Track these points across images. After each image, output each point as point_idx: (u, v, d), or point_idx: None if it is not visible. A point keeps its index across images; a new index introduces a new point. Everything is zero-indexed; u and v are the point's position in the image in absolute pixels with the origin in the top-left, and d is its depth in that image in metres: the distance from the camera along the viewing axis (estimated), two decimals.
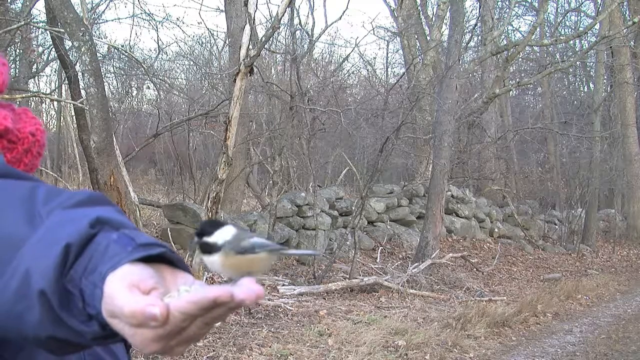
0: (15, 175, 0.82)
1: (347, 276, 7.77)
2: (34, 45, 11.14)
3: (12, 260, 0.67)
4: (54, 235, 0.67)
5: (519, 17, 19.23)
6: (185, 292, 0.63)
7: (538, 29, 12.95)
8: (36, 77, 13.80)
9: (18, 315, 0.66)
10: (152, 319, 0.58)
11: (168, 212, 8.30)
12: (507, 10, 14.93)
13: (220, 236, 0.77)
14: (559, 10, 18.07)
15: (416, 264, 8.36)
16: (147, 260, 0.65)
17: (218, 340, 4.96)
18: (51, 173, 9.88)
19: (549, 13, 16.74)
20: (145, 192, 12.75)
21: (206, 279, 6.30)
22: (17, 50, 11.30)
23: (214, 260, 0.76)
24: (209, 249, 0.76)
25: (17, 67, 11.58)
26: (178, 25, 21.66)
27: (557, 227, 14.79)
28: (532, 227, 13.89)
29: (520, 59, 15.52)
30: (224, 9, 11.02)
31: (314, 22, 13.04)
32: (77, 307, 0.65)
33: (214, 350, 4.71)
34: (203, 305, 0.59)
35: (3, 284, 0.66)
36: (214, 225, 0.78)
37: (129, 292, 0.60)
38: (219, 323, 5.28)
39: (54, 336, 0.66)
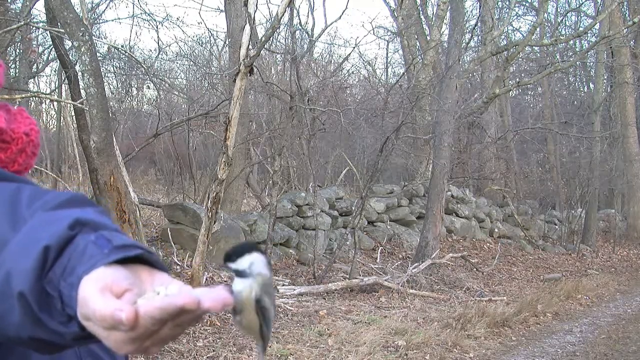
0: (2, 177, 0.82)
1: (347, 276, 7.77)
2: (34, 45, 11.13)
3: None
4: (33, 237, 0.68)
5: (519, 17, 19.22)
6: (158, 294, 0.64)
7: (538, 29, 12.96)
8: (36, 77, 13.80)
9: (5, 312, 0.67)
10: (120, 323, 0.59)
11: (168, 212, 8.30)
12: (507, 10, 14.94)
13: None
14: (559, 10, 18.07)
15: (416, 264, 8.36)
16: (126, 261, 0.66)
17: (218, 340, 4.96)
18: (51, 173, 9.87)
19: (549, 13, 16.74)
20: (145, 192, 12.75)
21: (205, 279, 6.30)
22: (17, 50, 11.30)
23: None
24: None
25: (17, 67, 11.57)
26: (178, 26, 21.69)
27: (557, 227, 14.78)
28: (532, 227, 13.89)
29: (520, 59, 15.52)
30: (223, 9, 11.03)
31: (313, 22, 13.07)
32: (56, 309, 0.65)
33: (214, 350, 4.71)
34: (170, 311, 0.60)
35: None
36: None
37: (100, 296, 0.61)
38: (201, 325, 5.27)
39: (35, 337, 0.67)
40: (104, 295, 0.61)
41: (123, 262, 0.66)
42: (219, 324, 5.33)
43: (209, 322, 5.25)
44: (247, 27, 5.78)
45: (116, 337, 0.61)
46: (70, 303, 0.64)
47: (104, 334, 0.61)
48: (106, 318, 0.59)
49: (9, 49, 9.29)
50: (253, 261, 0.77)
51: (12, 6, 9.50)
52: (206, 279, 6.27)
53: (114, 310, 0.59)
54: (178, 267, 6.97)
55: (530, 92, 21.47)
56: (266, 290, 0.77)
